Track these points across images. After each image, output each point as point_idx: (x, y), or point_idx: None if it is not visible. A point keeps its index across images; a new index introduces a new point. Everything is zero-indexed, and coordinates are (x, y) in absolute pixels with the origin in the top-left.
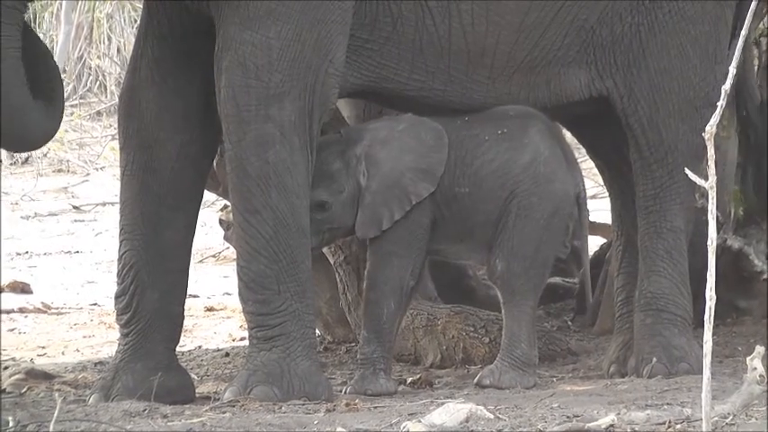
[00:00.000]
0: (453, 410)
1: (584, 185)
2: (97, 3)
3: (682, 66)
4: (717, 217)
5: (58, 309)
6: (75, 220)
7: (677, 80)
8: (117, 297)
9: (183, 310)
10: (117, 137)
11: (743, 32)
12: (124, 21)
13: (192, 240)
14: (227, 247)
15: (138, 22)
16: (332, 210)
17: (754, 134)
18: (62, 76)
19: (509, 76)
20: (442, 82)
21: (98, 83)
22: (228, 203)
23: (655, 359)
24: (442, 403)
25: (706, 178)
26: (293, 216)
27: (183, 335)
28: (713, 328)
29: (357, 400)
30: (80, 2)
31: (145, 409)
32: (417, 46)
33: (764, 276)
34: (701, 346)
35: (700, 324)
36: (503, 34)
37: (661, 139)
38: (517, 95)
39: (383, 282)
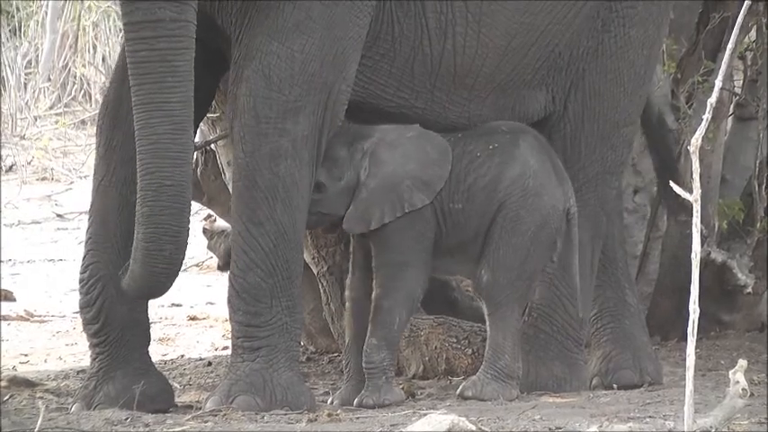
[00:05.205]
0: (435, 421)
1: (574, 201)
2: (83, 11)
3: (615, 90)
4: (701, 230)
5: (40, 316)
6: (59, 228)
7: (607, 102)
8: (82, 308)
9: (148, 315)
10: None
11: (729, 46)
12: (109, 30)
13: None
14: (211, 257)
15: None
16: (327, 193)
17: (662, 150)
18: (47, 84)
19: (484, 98)
20: (424, 101)
21: (83, 91)
22: (212, 213)
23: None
24: (425, 414)
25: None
26: (294, 231)
27: (165, 344)
28: (696, 341)
29: (339, 411)
30: (66, 10)
31: (127, 418)
32: (410, 65)
33: (748, 290)
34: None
35: (683, 337)
36: (489, 57)
37: (579, 156)
38: (487, 117)
39: (398, 290)
